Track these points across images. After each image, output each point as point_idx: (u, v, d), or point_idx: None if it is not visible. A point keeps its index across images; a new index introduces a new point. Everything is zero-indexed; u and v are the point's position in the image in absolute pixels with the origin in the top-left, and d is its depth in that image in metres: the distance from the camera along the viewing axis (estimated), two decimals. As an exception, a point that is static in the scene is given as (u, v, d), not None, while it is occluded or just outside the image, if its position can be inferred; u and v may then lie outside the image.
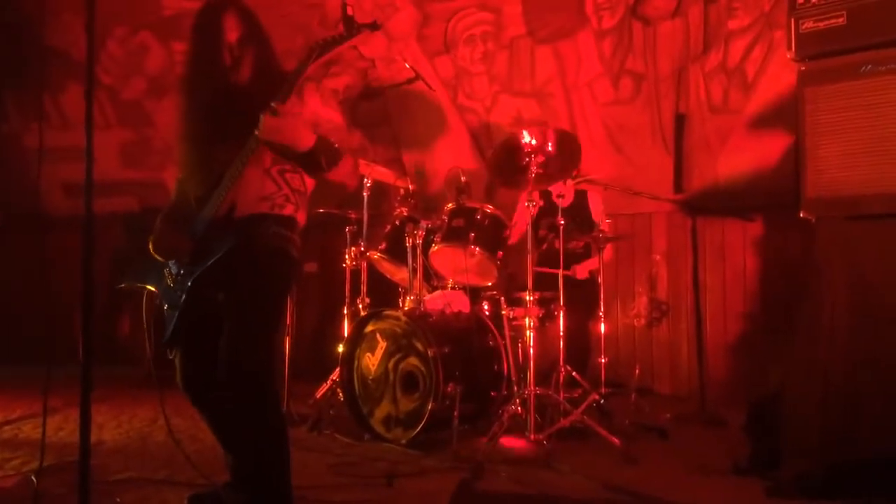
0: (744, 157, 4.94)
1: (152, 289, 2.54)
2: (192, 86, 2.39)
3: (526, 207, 3.70)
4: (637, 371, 4.63)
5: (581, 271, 4.41)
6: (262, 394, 2.33)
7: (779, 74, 4.74)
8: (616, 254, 5.00)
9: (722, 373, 4.97)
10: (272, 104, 2.23)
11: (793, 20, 3.00)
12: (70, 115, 6.97)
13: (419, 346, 3.68)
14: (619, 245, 5.00)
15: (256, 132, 2.24)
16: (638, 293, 5.39)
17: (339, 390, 4.04)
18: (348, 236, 4.51)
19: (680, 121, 5.11)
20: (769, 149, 4.82)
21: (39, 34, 6.94)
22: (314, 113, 2.42)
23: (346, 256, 4.45)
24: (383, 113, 6.21)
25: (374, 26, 2.30)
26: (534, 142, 3.62)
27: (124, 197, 6.67)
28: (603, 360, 4.09)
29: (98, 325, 6.81)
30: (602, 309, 4.16)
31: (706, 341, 4.83)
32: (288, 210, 2.44)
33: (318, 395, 4.40)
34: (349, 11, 2.25)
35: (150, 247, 2.48)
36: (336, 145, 2.40)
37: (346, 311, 4.44)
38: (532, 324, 3.64)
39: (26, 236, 5.64)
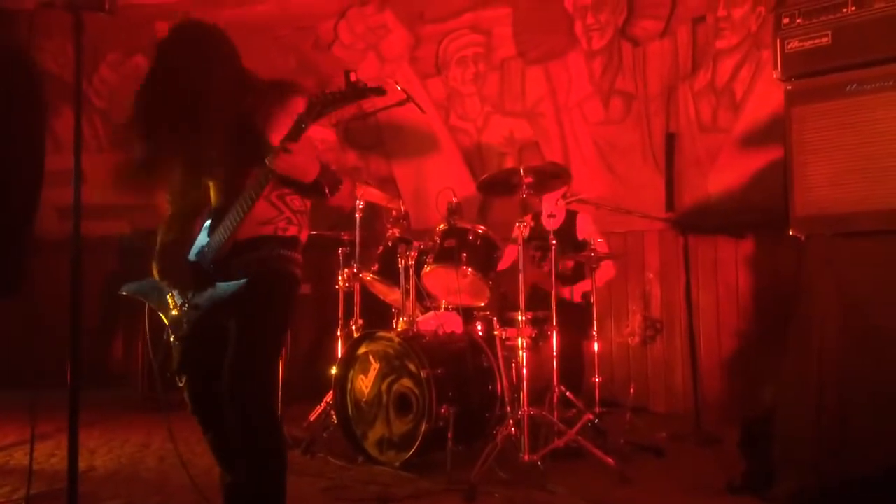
0: (734, 175, 4.97)
1: (154, 307, 2.54)
2: (172, 112, 2.39)
3: (515, 240, 3.73)
4: (632, 390, 4.62)
5: (575, 294, 4.42)
6: (265, 414, 2.33)
7: (767, 93, 4.78)
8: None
9: (717, 390, 4.96)
10: (284, 143, 2.25)
11: (778, 40, 3.03)
12: (64, 138, 6.97)
13: (412, 367, 3.67)
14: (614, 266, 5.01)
15: (270, 166, 2.25)
16: (632, 311, 5.40)
17: (332, 413, 4.03)
18: (341, 258, 4.51)
19: (670, 140, 5.14)
20: (759, 167, 4.85)
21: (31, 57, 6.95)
22: (308, 134, 2.43)
23: (339, 278, 4.44)
24: (376, 134, 6.24)
25: (379, 91, 2.33)
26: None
27: (117, 221, 6.66)
28: (597, 380, 4.08)
29: (90, 349, 6.81)
30: (595, 328, 4.16)
31: (700, 359, 4.83)
32: (291, 231, 2.47)
33: (312, 417, 4.38)
34: (353, 78, 2.27)
35: (156, 273, 2.48)
36: (334, 169, 2.43)
37: (339, 333, 4.43)
38: (525, 344, 3.64)
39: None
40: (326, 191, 2.38)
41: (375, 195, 4.48)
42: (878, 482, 2.69)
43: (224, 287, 2.32)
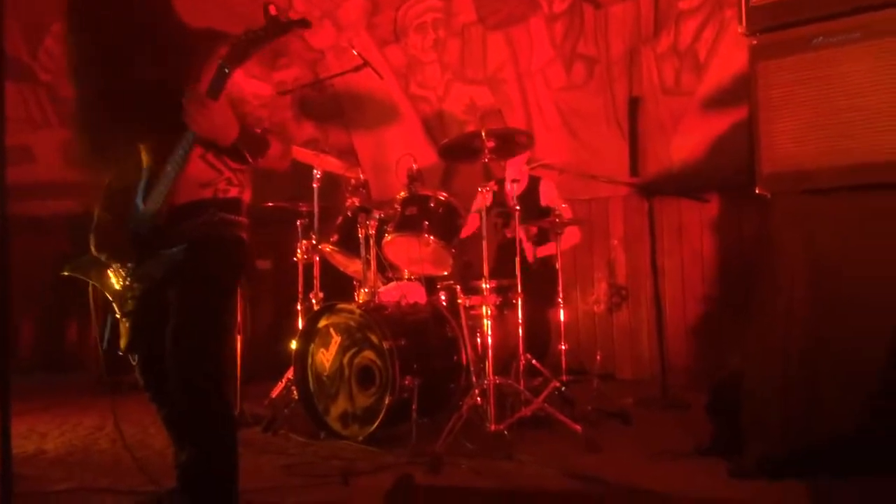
0: (697, 138, 4.92)
1: (95, 283, 2.40)
2: (96, 77, 2.23)
3: (477, 209, 3.63)
4: (598, 357, 4.59)
5: (537, 253, 4.35)
6: (209, 380, 2.20)
7: (730, 54, 4.73)
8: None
9: (683, 356, 4.96)
10: (203, 98, 2.09)
11: (743, -7, 2.95)
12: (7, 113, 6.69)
13: (374, 339, 3.58)
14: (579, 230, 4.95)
15: (190, 127, 2.11)
16: (597, 279, 5.36)
17: (293, 389, 3.92)
18: (299, 230, 4.37)
19: (633, 104, 5.07)
20: (723, 129, 4.81)
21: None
22: (239, 88, 2.28)
23: (298, 250, 4.31)
24: (334, 104, 6.07)
25: (303, 23, 2.16)
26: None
27: (68, 198, 6.43)
28: (563, 348, 4.02)
29: (44, 332, 6.58)
30: (561, 296, 4.09)
31: (666, 325, 4.81)
32: (232, 192, 2.32)
33: (274, 394, 4.26)
34: (272, 11, 2.11)
35: (92, 246, 2.34)
36: (267, 126, 2.29)
37: (299, 307, 4.31)
38: (489, 312, 3.56)
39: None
40: (247, 155, 2.24)
41: (333, 164, 4.34)
42: (844, 446, 2.66)
43: (164, 256, 2.19)
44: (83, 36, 2.20)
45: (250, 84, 2.32)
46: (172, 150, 2.16)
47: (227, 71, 2.08)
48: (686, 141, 4.97)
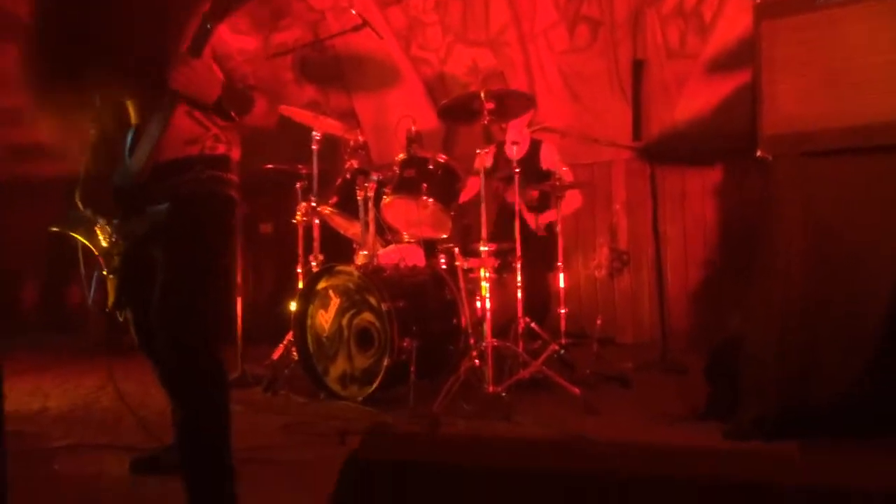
0: (702, 101, 4.86)
1: (83, 240, 2.38)
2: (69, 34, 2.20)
3: (478, 171, 3.60)
4: (599, 321, 4.59)
5: (540, 225, 4.33)
6: (197, 342, 2.18)
7: (736, 16, 4.65)
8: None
9: (684, 321, 4.96)
10: (185, 55, 2.06)
11: (748, -49, 2.89)
12: (9, 75, 6.64)
13: (373, 301, 3.58)
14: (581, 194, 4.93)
15: (170, 85, 2.08)
16: (598, 244, 5.34)
17: (294, 350, 3.93)
18: (299, 192, 4.36)
19: (637, 67, 5.00)
20: (727, 93, 4.75)
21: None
22: (224, 43, 2.24)
23: (297, 213, 4.30)
24: (335, 67, 6.01)
25: None
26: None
27: (70, 160, 6.41)
28: (563, 311, 4.02)
29: (45, 293, 6.56)
30: (561, 260, 4.08)
31: (668, 290, 4.81)
32: (220, 150, 2.28)
33: (275, 356, 4.28)
34: None
35: (78, 202, 2.32)
36: (252, 83, 2.25)
37: (299, 270, 4.31)
38: (487, 275, 3.55)
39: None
40: (232, 114, 2.20)
41: (331, 125, 4.31)
42: (841, 407, 2.67)
43: (150, 213, 2.17)
44: None
45: (235, 39, 2.27)
46: (156, 107, 2.13)
47: (209, 27, 2.05)
48: (690, 104, 4.91)
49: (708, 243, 4.97)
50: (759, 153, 2.89)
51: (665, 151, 4.85)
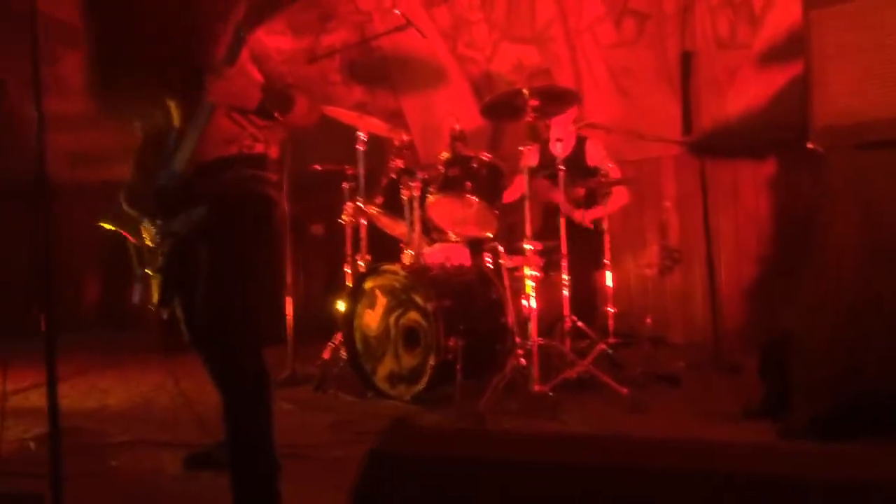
0: (753, 93, 4.75)
1: (130, 238, 2.46)
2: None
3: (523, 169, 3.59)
4: (648, 321, 4.53)
5: (586, 219, 4.29)
6: (238, 341, 2.23)
7: (787, 5, 4.52)
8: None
9: (737, 318, 4.85)
10: (220, 67, 2.11)
11: (797, -61, 2.82)
12: (70, 82, 6.87)
13: (419, 300, 3.60)
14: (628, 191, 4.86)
15: (208, 97, 2.14)
16: (648, 242, 5.26)
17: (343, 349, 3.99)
18: (346, 193, 4.41)
19: (686, 59, 4.91)
20: (780, 84, 4.63)
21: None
22: (261, 44, 2.28)
23: (344, 213, 4.35)
24: (382, 67, 6.06)
25: None
26: None
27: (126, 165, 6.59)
28: (611, 310, 3.98)
29: (106, 293, 6.75)
30: (609, 258, 4.04)
31: (720, 287, 4.71)
32: (258, 149, 2.32)
33: (325, 355, 4.34)
34: None
35: (123, 203, 2.39)
36: (290, 82, 2.29)
37: (347, 270, 4.37)
38: (533, 273, 3.53)
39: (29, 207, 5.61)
40: (275, 114, 2.24)
41: (376, 125, 4.34)
42: (892, 407, 2.58)
43: (191, 213, 2.22)
44: None
45: (272, 40, 2.31)
46: (198, 111, 2.19)
47: (242, 35, 2.09)
48: (741, 96, 4.80)
49: (762, 238, 4.85)
50: (810, 145, 2.82)
51: (716, 145, 4.76)
